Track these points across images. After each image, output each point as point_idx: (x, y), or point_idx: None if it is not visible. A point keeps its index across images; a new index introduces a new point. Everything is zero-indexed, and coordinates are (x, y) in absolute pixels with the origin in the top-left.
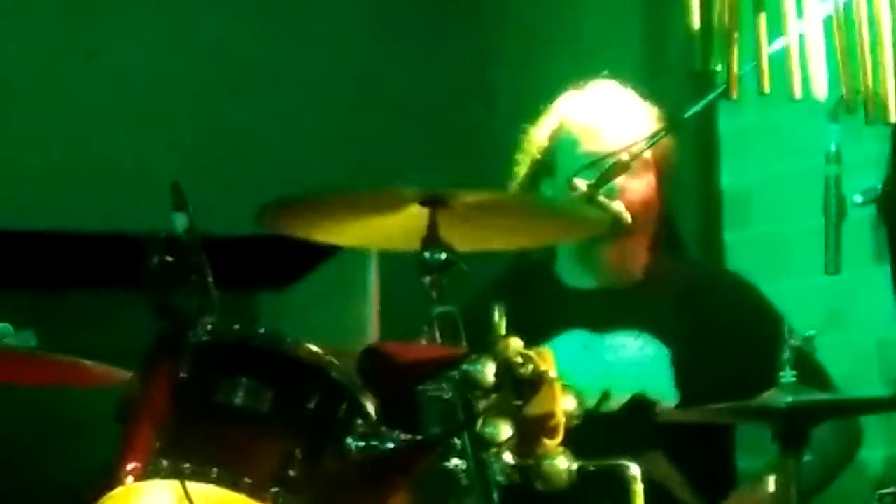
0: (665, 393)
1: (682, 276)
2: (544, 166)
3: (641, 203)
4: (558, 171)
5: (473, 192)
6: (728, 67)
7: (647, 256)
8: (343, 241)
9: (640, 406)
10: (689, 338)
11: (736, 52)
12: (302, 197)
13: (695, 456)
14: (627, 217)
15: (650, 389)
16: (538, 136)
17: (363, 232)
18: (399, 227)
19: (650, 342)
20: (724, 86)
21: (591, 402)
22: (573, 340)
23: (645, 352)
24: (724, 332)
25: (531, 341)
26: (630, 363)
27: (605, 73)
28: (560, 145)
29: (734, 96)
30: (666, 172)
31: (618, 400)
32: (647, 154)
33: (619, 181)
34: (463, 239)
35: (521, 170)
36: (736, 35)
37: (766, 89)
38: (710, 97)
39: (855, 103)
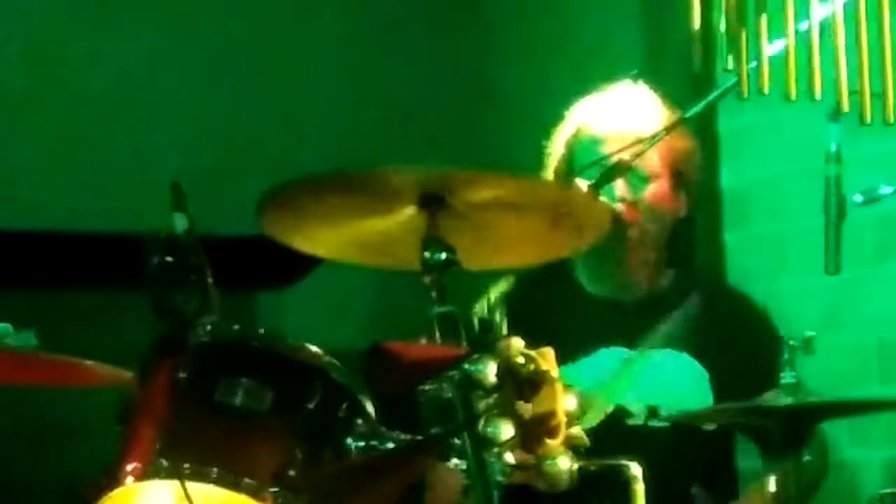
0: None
1: (702, 290)
2: (563, 174)
3: (645, 213)
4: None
5: (474, 179)
6: (738, 66)
7: (662, 261)
8: (337, 251)
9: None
10: (720, 360)
11: (744, 51)
12: (293, 185)
13: (697, 456)
14: (627, 217)
15: (693, 406)
16: (555, 146)
17: (359, 239)
18: (396, 232)
19: (689, 361)
20: (732, 85)
21: (638, 417)
22: (615, 355)
23: (686, 370)
24: (740, 353)
25: (568, 354)
26: (672, 380)
27: (604, 78)
28: (576, 151)
29: (745, 94)
30: (684, 178)
31: (665, 416)
32: (656, 161)
33: (620, 191)
34: (463, 246)
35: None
36: (744, 34)
37: (765, 90)
38: (711, 97)
39: (853, 104)
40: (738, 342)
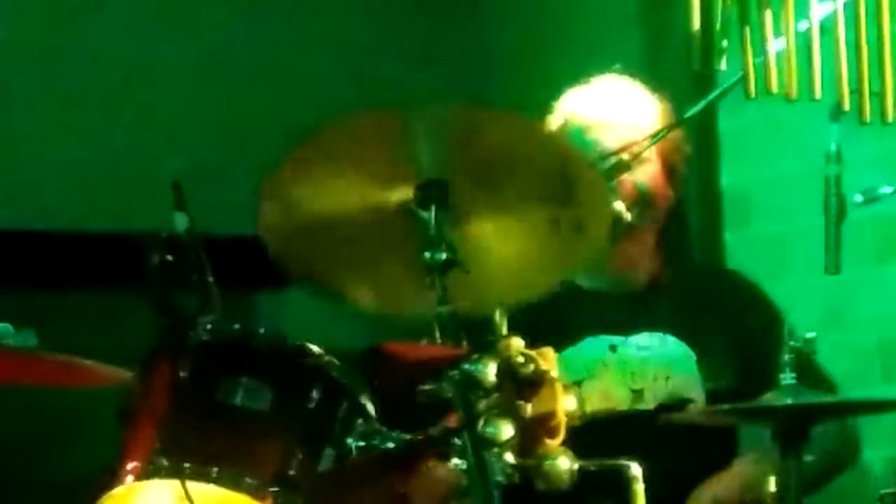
0: (694, 392)
1: (694, 277)
2: None
3: (641, 196)
4: None
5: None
6: (743, 65)
7: (658, 253)
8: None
9: (675, 406)
10: (708, 341)
11: (749, 49)
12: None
13: (698, 456)
14: (628, 216)
15: (681, 388)
16: None
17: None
18: (396, 235)
19: (675, 343)
20: (733, 84)
21: (624, 402)
22: (600, 342)
23: (672, 352)
24: (736, 335)
25: (555, 345)
26: (660, 363)
27: (616, 67)
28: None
29: (752, 94)
30: (675, 167)
31: (652, 399)
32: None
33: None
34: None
35: None
36: (747, 33)
37: (774, 88)
38: (711, 97)
39: (853, 103)
40: (729, 321)
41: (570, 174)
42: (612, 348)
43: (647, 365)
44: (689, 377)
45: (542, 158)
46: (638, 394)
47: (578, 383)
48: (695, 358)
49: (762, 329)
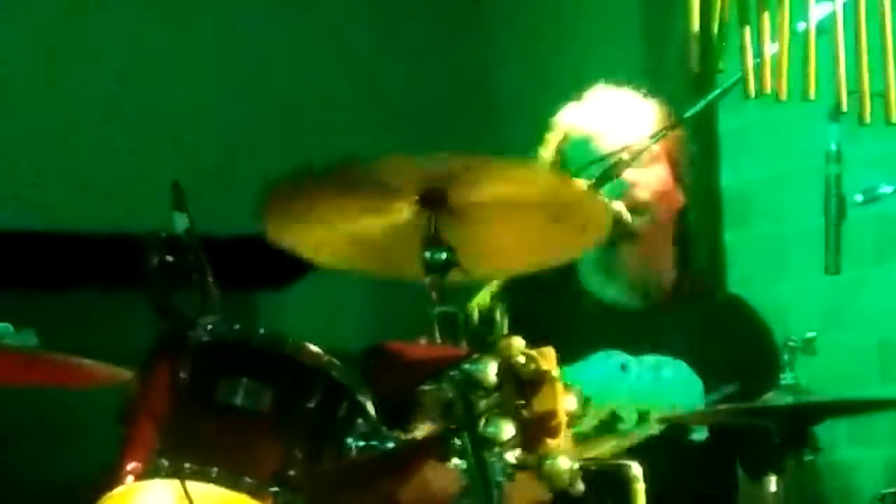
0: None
1: (704, 300)
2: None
3: (653, 196)
4: None
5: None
6: (742, 65)
7: (672, 261)
8: (335, 254)
9: (679, 430)
10: (713, 368)
11: (749, 50)
12: (293, 180)
13: (700, 462)
14: (628, 217)
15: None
16: (546, 154)
17: (357, 242)
18: (395, 235)
19: (683, 369)
20: (732, 84)
21: (629, 423)
22: (610, 359)
23: (682, 378)
24: (739, 366)
25: (564, 356)
26: (669, 389)
27: (604, 78)
28: (567, 156)
29: (752, 94)
30: (679, 167)
31: (657, 423)
32: (654, 148)
33: (628, 176)
34: (464, 251)
35: None
36: (747, 33)
37: (767, 89)
38: (711, 97)
39: (853, 104)
40: (735, 354)
41: (565, 199)
42: (623, 367)
43: (656, 389)
44: (696, 405)
45: (533, 196)
46: (643, 417)
47: (586, 399)
48: (701, 386)
49: (763, 362)
